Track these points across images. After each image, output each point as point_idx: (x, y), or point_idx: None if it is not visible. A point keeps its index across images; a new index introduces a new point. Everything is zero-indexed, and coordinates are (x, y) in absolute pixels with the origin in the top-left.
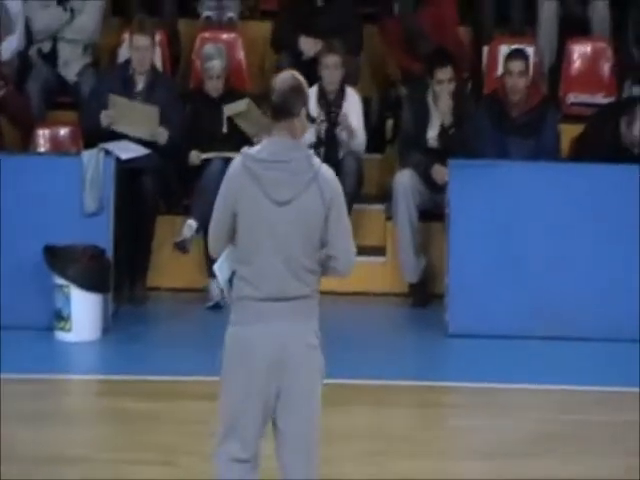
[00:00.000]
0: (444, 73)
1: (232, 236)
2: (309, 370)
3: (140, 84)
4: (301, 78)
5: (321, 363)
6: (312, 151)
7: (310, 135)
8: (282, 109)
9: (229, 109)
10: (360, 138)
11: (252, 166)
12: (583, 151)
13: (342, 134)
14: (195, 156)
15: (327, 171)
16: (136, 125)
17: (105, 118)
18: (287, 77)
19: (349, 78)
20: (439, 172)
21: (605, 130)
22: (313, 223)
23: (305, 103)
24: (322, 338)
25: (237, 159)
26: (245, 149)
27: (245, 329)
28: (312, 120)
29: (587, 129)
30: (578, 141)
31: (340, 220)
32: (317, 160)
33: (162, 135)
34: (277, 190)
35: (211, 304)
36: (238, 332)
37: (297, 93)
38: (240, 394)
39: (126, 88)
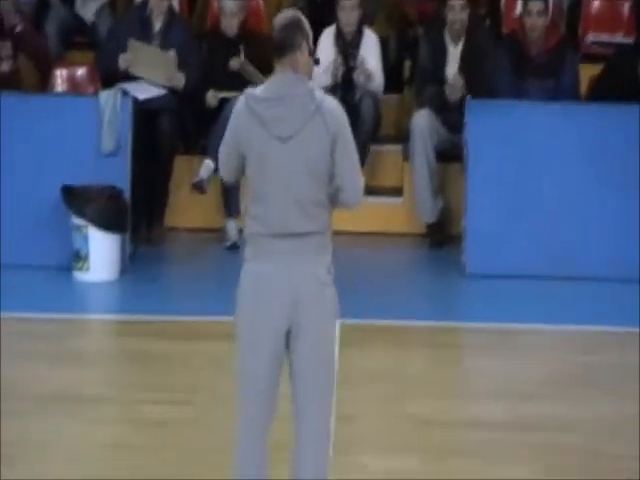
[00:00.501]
0: (456, 1)
1: (240, 173)
2: (321, 306)
3: (157, 25)
4: (301, 15)
5: (334, 299)
6: (316, 88)
7: (326, 77)
8: (283, 43)
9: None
10: (378, 80)
11: (254, 105)
12: (601, 92)
13: (360, 77)
14: (212, 96)
15: (331, 102)
16: (154, 70)
17: (123, 62)
18: (286, 13)
19: (366, 19)
20: (450, 87)
21: (623, 71)
22: (319, 156)
23: (306, 38)
24: (336, 275)
25: (240, 99)
26: (248, 89)
27: (256, 265)
28: (316, 61)
29: (605, 70)
30: (596, 82)
31: (346, 151)
32: (320, 93)
33: (179, 80)
34: (280, 126)
35: (229, 244)
36: (250, 268)
37: (297, 27)
38: (250, 330)
39: (143, 29)
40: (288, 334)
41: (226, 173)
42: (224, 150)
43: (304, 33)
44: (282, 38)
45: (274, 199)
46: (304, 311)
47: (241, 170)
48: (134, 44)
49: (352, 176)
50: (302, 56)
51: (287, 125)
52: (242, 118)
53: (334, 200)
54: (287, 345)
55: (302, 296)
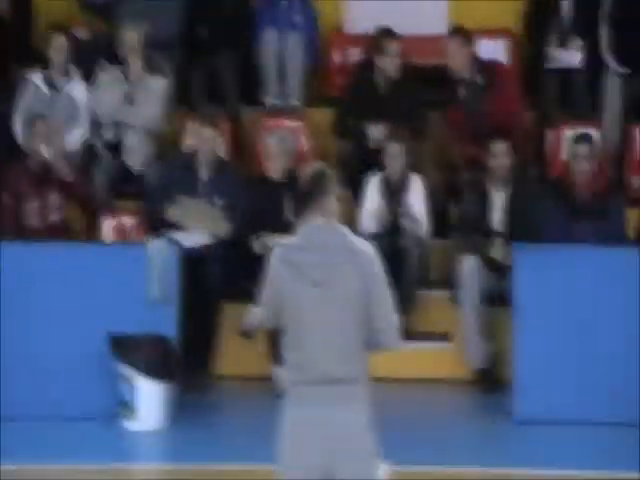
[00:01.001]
0: (499, 147)
1: (279, 321)
2: (361, 451)
3: (204, 174)
4: (326, 165)
5: (373, 445)
6: (349, 233)
7: (371, 223)
8: (314, 191)
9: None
10: (424, 224)
11: (289, 253)
12: None
13: (406, 222)
14: (257, 244)
15: (363, 245)
16: (201, 223)
17: (172, 215)
18: (314, 165)
19: (413, 165)
20: (499, 248)
21: None
22: (355, 300)
23: (335, 184)
24: (386, 421)
25: (275, 249)
26: (282, 239)
27: (295, 413)
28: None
29: None
30: None
31: (382, 294)
32: (353, 236)
33: (226, 233)
34: (315, 271)
35: (278, 392)
36: (289, 416)
37: (325, 174)
38: (290, 477)
39: (191, 178)
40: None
41: (267, 321)
42: (264, 299)
43: (333, 180)
44: (310, 185)
45: (310, 345)
46: (344, 457)
47: (280, 318)
48: (182, 199)
49: (387, 317)
50: (332, 202)
51: (323, 271)
52: (278, 267)
53: (373, 343)
54: None
55: (341, 442)
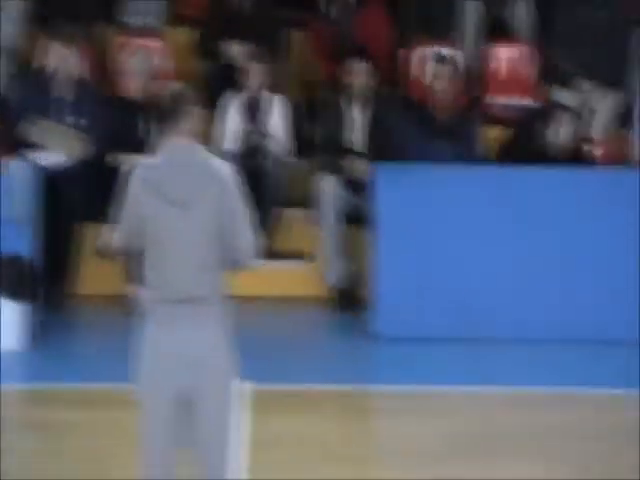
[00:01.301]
0: (358, 66)
1: (136, 241)
2: (216, 370)
3: (65, 94)
4: (185, 85)
5: (230, 363)
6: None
7: (231, 143)
8: (171, 110)
9: None
10: (284, 144)
11: (150, 173)
12: (508, 155)
13: (266, 142)
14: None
15: (222, 166)
16: (60, 145)
17: (30, 135)
18: (173, 84)
19: (275, 85)
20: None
21: (528, 134)
22: (212, 219)
23: (194, 104)
24: (245, 340)
25: (135, 169)
26: (142, 159)
27: (154, 332)
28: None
29: (512, 134)
30: (503, 146)
31: (239, 212)
32: (214, 158)
33: (81, 152)
34: (174, 192)
35: (133, 311)
36: (147, 336)
37: (183, 94)
38: (149, 396)
39: (49, 98)
40: (188, 399)
41: (124, 241)
42: (122, 218)
43: (192, 99)
44: (172, 104)
45: (170, 265)
46: (201, 375)
47: (138, 238)
48: (40, 120)
49: (244, 236)
50: (192, 122)
51: (180, 190)
52: (137, 186)
53: (230, 262)
54: (189, 409)
55: (199, 359)
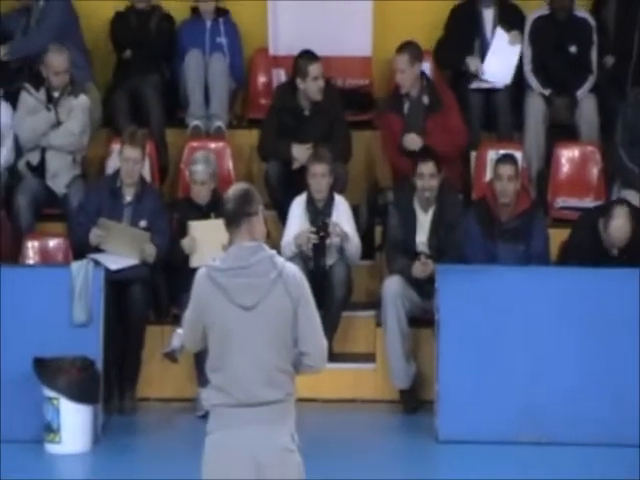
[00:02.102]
0: (427, 167)
1: (204, 343)
2: (285, 474)
3: (128, 196)
4: (250, 186)
5: (298, 466)
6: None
7: (287, 254)
8: (240, 212)
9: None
10: (355, 241)
11: (215, 275)
12: (569, 255)
13: (335, 241)
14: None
15: (291, 268)
16: (125, 247)
17: (94, 238)
18: (238, 185)
19: (337, 186)
20: (419, 265)
21: (587, 234)
22: (282, 323)
23: (260, 204)
24: (309, 442)
25: (202, 270)
26: (209, 261)
27: (219, 436)
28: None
29: (572, 233)
30: (564, 245)
31: (309, 316)
32: (280, 259)
33: (151, 256)
34: (243, 296)
35: (201, 413)
36: (212, 439)
37: (250, 195)
38: None
39: (114, 199)
40: None
41: (191, 343)
42: (188, 321)
43: (257, 201)
44: (237, 206)
45: (238, 369)
46: (268, 479)
47: (205, 340)
48: (104, 222)
49: (316, 340)
50: (258, 222)
51: (250, 294)
52: (204, 289)
53: (298, 365)
54: None
55: (266, 464)
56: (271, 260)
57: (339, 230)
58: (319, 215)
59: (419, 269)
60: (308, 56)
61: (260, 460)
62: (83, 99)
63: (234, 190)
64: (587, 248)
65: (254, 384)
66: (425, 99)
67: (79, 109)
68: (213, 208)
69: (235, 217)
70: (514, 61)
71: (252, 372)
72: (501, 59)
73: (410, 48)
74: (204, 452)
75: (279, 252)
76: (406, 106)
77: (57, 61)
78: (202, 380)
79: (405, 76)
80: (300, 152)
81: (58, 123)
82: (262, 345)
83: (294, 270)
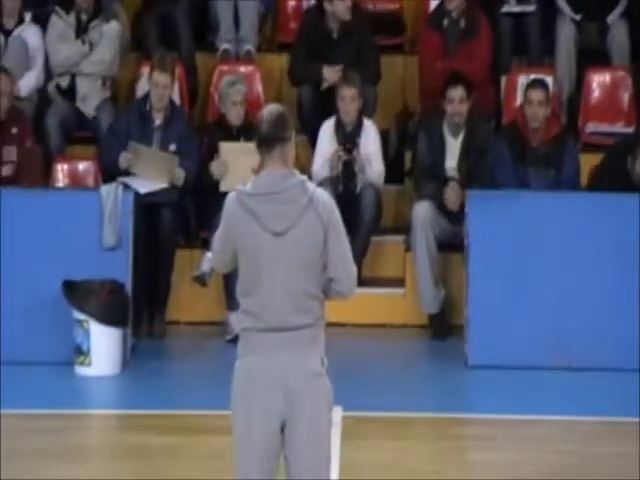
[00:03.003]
0: (456, 92)
1: (234, 265)
2: (314, 398)
3: (157, 120)
4: (283, 107)
5: (328, 390)
6: (307, 180)
7: (324, 169)
8: (274, 137)
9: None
10: (377, 168)
11: (246, 201)
12: (600, 183)
13: (360, 169)
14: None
15: (322, 194)
16: (154, 170)
17: (124, 161)
18: (272, 108)
19: (366, 109)
20: (451, 193)
21: (619, 163)
22: (313, 248)
23: (292, 130)
24: (338, 367)
25: (232, 195)
26: (239, 186)
27: (249, 361)
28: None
29: (603, 161)
30: (595, 173)
31: (339, 242)
32: (311, 185)
33: (179, 179)
34: (273, 221)
35: (230, 337)
36: (242, 364)
37: (285, 118)
38: (244, 427)
39: (144, 123)
40: (283, 428)
41: (220, 265)
42: (218, 244)
43: (291, 126)
44: (272, 130)
45: (268, 293)
46: (298, 403)
47: (235, 262)
48: (134, 146)
49: (345, 266)
50: (291, 147)
51: (281, 220)
52: (234, 213)
53: (327, 291)
54: (283, 440)
55: (295, 389)
56: (302, 186)
57: (362, 160)
58: (348, 138)
59: (451, 199)
60: None
61: (290, 384)
62: (114, 25)
63: (269, 112)
64: (616, 176)
65: (284, 309)
66: (462, 23)
67: (110, 35)
68: (243, 131)
69: (269, 141)
70: None
71: (282, 297)
72: None
73: None
74: (234, 377)
75: (309, 176)
76: (445, 24)
77: None
78: (231, 304)
79: None
80: (330, 73)
81: (90, 49)
82: (292, 271)
83: (325, 196)
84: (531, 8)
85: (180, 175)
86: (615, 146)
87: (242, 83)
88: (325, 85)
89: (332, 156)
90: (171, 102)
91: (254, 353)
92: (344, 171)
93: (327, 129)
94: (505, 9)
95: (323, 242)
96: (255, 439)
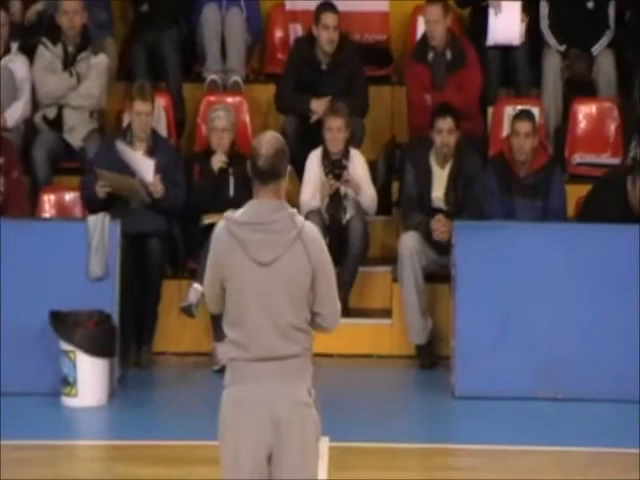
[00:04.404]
0: (445, 123)
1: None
2: (301, 428)
3: (140, 150)
4: (282, 138)
5: (315, 421)
6: (297, 214)
7: (315, 200)
8: (271, 172)
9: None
10: (370, 193)
11: (235, 229)
12: (590, 213)
13: (351, 193)
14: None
15: (311, 230)
16: (128, 193)
17: (100, 190)
18: (272, 140)
19: (354, 140)
20: (437, 224)
21: (612, 192)
22: (299, 282)
23: (288, 162)
24: (326, 397)
25: (221, 223)
26: (228, 213)
27: (236, 390)
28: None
29: (594, 190)
30: (585, 203)
31: (327, 280)
32: (300, 219)
33: (157, 186)
34: (260, 251)
35: (217, 368)
36: (230, 394)
37: (283, 154)
38: (232, 460)
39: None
40: (270, 458)
41: (212, 302)
42: (207, 281)
43: (287, 160)
44: (270, 167)
45: (255, 324)
46: (285, 433)
47: (220, 297)
48: (102, 172)
49: (331, 303)
50: (285, 182)
51: (269, 251)
52: (222, 241)
53: (311, 324)
54: (270, 470)
55: (282, 418)
56: (291, 219)
57: (353, 180)
58: (335, 166)
59: (438, 230)
60: (325, 6)
61: (276, 414)
62: (102, 58)
63: (267, 146)
64: (611, 206)
65: (271, 340)
66: (448, 54)
67: (98, 68)
68: (231, 162)
69: (265, 176)
70: (517, 18)
71: (269, 329)
72: (504, 19)
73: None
74: (221, 406)
75: (297, 206)
76: (430, 58)
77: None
78: (218, 335)
79: (439, 27)
80: (318, 105)
81: (77, 81)
82: (278, 302)
83: (314, 232)
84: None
85: (157, 185)
86: (607, 176)
87: (226, 111)
88: (314, 118)
89: (322, 187)
90: (153, 132)
91: (241, 382)
92: (331, 202)
93: (314, 158)
94: (491, 42)
95: (310, 278)
96: (243, 472)
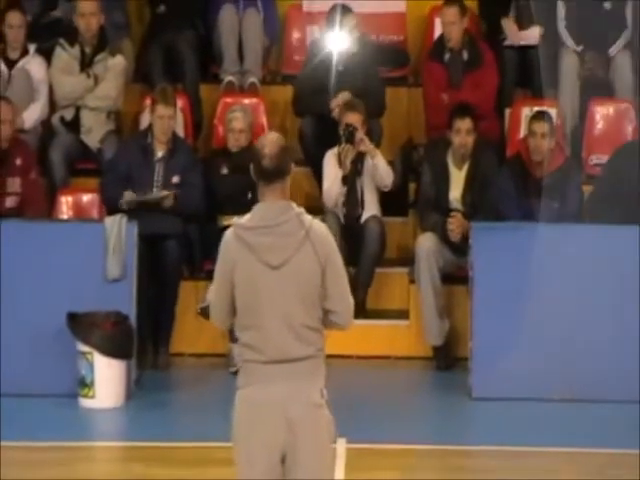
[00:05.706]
0: (464, 123)
1: (234, 305)
2: (315, 429)
3: (160, 152)
4: (283, 137)
5: (329, 421)
6: (303, 212)
7: (331, 198)
8: (277, 171)
9: None
10: (384, 163)
11: (243, 234)
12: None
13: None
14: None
15: (319, 227)
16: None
17: (125, 204)
18: (274, 139)
19: (372, 140)
20: (454, 225)
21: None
22: (310, 281)
23: (292, 163)
24: (342, 398)
25: (229, 231)
26: (235, 219)
27: (249, 391)
28: None
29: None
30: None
31: (337, 276)
32: (308, 217)
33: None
34: (270, 254)
35: (234, 369)
36: (243, 395)
37: (286, 153)
38: (246, 461)
39: (145, 156)
40: (284, 459)
41: (218, 315)
42: (216, 289)
43: (291, 156)
44: (275, 166)
45: (267, 327)
46: (298, 434)
47: (232, 316)
48: (127, 199)
49: (343, 300)
50: (289, 180)
51: (277, 253)
52: (231, 247)
53: (325, 322)
54: (284, 471)
55: (296, 419)
56: (299, 219)
57: (366, 139)
58: (346, 134)
59: (455, 231)
60: (342, 8)
61: (289, 415)
62: (119, 60)
63: (270, 146)
64: (611, 205)
65: (285, 342)
66: (465, 54)
67: (115, 70)
68: (241, 160)
69: (271, 176)
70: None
71: (282, 331)
72: None
73: (458, 1)
74: (235, 407)
75: (314, 207)
76: (446, 58)
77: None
78: (234, 336)
79: (455, 28)
80: (336, 103)
81: (94, 82)
82: (290, 304)
83: (322, 229)
84: (535, 40)
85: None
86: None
87: (243, 112)
88: (337, 111)
89: (343, 155)
90: (174, 134)
91: (255, 384)
92: (348, 201)
93: (331, 157)
94: (508, 42)
95: (321, 276)
96: (257, 472)
